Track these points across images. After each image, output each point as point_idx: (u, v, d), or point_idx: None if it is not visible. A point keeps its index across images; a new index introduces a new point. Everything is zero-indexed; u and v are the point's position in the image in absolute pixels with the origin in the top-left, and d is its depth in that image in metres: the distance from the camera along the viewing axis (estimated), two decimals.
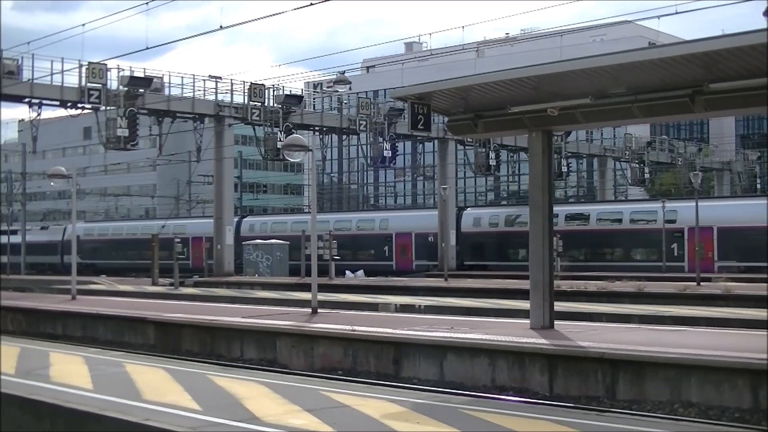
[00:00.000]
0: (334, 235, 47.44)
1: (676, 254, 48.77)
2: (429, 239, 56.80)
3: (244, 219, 67.28)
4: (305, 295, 28.67)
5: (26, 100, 42.39)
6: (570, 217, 53.70)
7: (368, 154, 53.15)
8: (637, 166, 64.56)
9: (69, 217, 58.35)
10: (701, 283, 33.93)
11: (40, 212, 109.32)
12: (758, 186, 74.50)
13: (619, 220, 52.58)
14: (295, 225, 59.76)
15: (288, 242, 51.47)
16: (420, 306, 28.63)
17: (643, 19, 52.41)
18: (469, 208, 62.78)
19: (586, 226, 52.68)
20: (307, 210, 71.42)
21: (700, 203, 51.87)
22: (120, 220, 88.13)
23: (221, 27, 28.17)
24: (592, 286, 33.32)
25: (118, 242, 72.49)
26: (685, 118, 59.14)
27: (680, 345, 15.19)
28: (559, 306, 20.73)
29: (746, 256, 45.78)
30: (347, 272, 53.31)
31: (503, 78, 17.24)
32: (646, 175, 66.16)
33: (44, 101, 42.86)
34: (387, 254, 58.29)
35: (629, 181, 67.66)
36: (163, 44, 37.51)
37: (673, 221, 49.04)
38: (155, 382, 12.54)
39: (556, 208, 59.83)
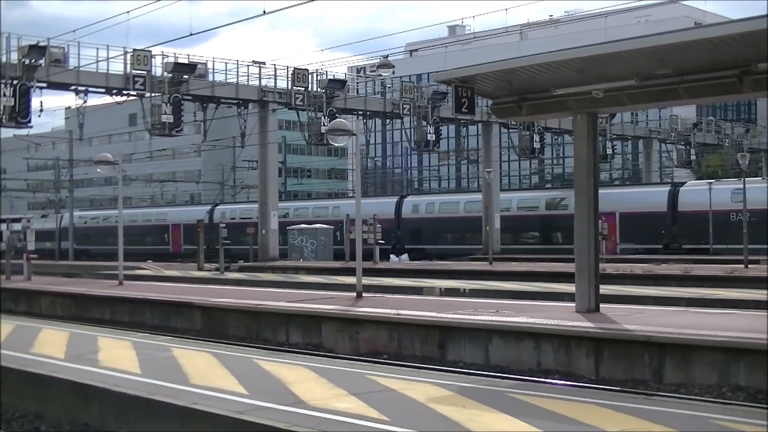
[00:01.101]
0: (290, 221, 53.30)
1: None
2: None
3: (217, 207, 71.36)
4: (350, 280, 28.74)
5: (72, 87, 42.84)
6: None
7: (412, 138, 53.10)
8: (684, 147, 64.01)
9: (114, 203, 59.64)
10: (749, 266, 33.59)
11: (87, 198, 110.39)
12: None
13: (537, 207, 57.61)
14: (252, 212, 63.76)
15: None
16: (465, 290, 28.59)
17: None
18: (410, 196, 66.67)
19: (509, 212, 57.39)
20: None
21: (602, 190, 54.70)
22: (109, 208, 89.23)
23: (264, 12, 28.19)
24: (638, 269, 33.13)
25: (108, 229, 73.99)
26: (732, 99, 58.71)
27: (728, 328, 15.04)
28: (605, 289, 20.60)
29: (644, 239, 50.48)
30: (392, 256, 53.47)
31: (548, 60, 17.12)
32: (693, 157, 65.56)
33: (90, 89, 43.28)
34: (339, 239, 59.63)
35: (675, 163, 67.10)
36: (206, 30, 38.11)
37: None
38: (202, 367, 12.63)
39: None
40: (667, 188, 53.19)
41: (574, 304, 18.80)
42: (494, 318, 17.72)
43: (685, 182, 56.01)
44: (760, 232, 42.43)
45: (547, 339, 16.07)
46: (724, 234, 47.02)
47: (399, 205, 61.87)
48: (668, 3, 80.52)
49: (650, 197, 51.33)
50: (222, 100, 47.39)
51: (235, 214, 66.00)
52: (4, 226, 58.49)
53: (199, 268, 45.08)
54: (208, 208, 71.03)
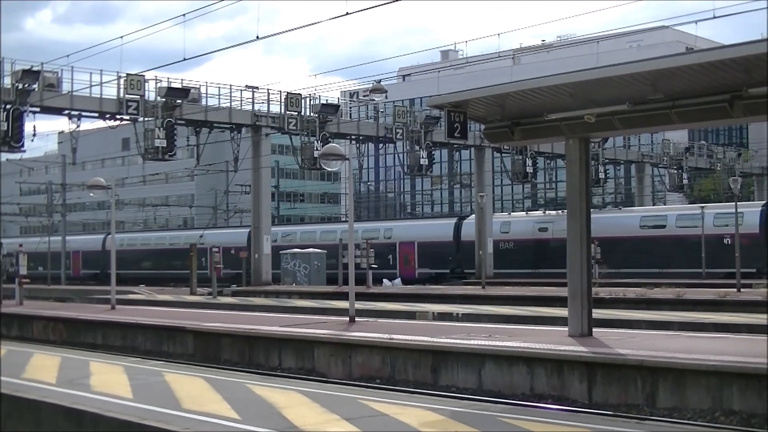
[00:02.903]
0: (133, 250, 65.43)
1: (391, 263, 58.89)
2: (231, 252, 64.92)
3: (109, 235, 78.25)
4: (343, 304, 28.67)
5: (66, 112, 42.79)
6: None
7: (405, 163, 53.11)
8: (676, 172, 64.11)
9: (107, 227, 60.89)
10: (741, 290, 33.61)
11: (79, 222, 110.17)
12: None
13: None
14: (142, 241, 74.60)
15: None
16: (457, 314, 28.58)
17: (681, 24, 52.21)
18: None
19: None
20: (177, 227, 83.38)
21: (403, 223, 68.12)
22: (34, 234, 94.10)
23: (258, 37, 28.25)
24: (631, 293, 33.12)
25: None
26: (724, 124, 59.07)
27: (721, 352, 15.05)
28: (598, 313, 20.60)
29: (436, 264, 56.83)
30: (384, 281, 53.44)
31: (540, 85, 17.19)
32: (685, 181, 65.68)
33: (83, 113, 43.23)
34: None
35: (667, 187, 67.20)
36: (200, 55, 38.29)
37: (389, 237, 59.83)
38: (194, 392, 12.60)
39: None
40: (453, 221, 60.81)
41: (566, 329, 18.80)
42: (487, 342, 17.72)
43: (468, 216, 62.81)
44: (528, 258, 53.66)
45: (539, 363, 16.06)
46: (494, 260, 54.18)
47: (250, 238, 66.15)
48: (660, 28, 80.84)
49: (441, 229, 58.74)
50: (215, 125, 47.38)
51: (123, 242, 72.87)
52: None
53: (192, 293, 44.97)
54: (102, 236, 77.99)
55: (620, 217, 54.15)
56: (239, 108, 47.79)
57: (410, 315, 28.73)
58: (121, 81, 42.51)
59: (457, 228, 58.64)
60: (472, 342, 17.89)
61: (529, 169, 55.21)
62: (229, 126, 48.07)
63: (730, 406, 13.66)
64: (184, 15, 28.45)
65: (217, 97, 47.17)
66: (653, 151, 68.07)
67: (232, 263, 53.89)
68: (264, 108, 48.42)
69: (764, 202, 53.20)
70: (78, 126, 43.71)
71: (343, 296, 30.71)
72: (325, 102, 49.30)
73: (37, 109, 41.24)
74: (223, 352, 22.76)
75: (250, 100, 48.22)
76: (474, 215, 60.43)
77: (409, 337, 19.11)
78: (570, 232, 18.81)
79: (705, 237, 45.54)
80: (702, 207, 49.36)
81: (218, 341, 23.09)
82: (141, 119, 43.52)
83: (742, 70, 14.87)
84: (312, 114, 48.19)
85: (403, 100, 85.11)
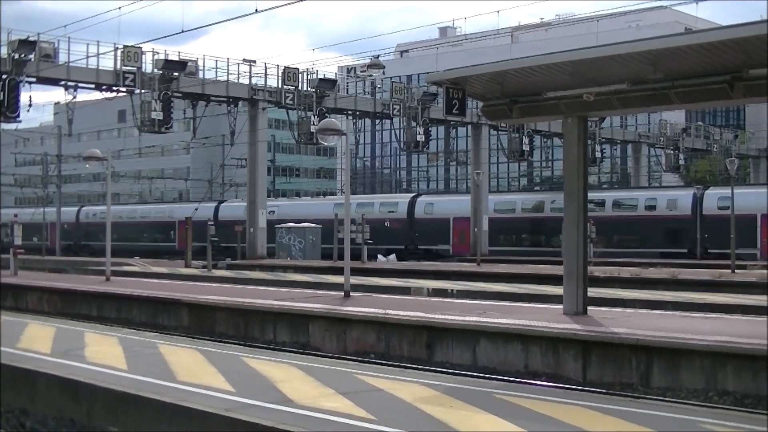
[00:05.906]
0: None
1: (172, 238, 66.37)
2: (64, 227, 73.40)
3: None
4: (338, 279, 28.68)
5: (62, 83, 42.71)
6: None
7: (401, 139, 53.09)
8: (672, 152, 64.15)
9: (103, 199, 61.13)
10: (736, 271, 33.68)
11: (75, 194, 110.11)
12: None
13: None
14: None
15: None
16: (452, 290, 28.61)
17: (680, 4, 52.12)
18: (85, 207, 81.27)
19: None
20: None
21: (179, 205, 73.40)
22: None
23: (256, 11, 28.16)
24: (626, 272, 33.18)
25: None
26: (723, 105, 59.12)
27: (716, 332, 15.07)
28: (593, 292, 20.62)
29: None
30: (379, 256, 53.46)
31: (539, 63, 17.13)
32: (681, 162, 65.73)
33: (80, 84, 43.17)
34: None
35: (664, 167, 67.25)
36: (198, 28, 38.04)
37: (171, 216, 66.24)
38: (189, 364, 12.61)
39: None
40: (214, 204, 67.58)
41: (561, 307, 18.82)
42: (482, 319, 17.72)
43: (226, 200, 71.30)
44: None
45: (534, 341, 16.09)
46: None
47: (78, 213, 76.69)
48: (658, 8, 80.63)
49: (204, 210, 61.63)
50: (212, 98, 47.31)
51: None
52: None
53: (187, 266, 44.98)
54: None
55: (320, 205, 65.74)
56: (236, 82, 47.72)
57: (405, 291, 28.75)
58: (118, 52, 42.41)
59: (216, 211, 65.83)
60: (467, 318, 17.90)
61: (526, 148, 55.24)
62: (226, 99, 48.01)
63: (724, 386, 13.70)
64: None
65: (215, 70, 47.25)
66: (650, 131, 68.07)
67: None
68: (261, 82, 48.38)
69: (415, 194, 66.52)
70: (74, 97, 43.78)
71: (338, 271, 30.72)
72: (322, 77, 49.25)
73: (34, 80, 41.14)
74: (218, 325, 22.77)
75: (248, 74, 48.15)
76: (231, 199, 72.09)
77: (404, 313, 19.12)
78: (566, 212, 18.79)
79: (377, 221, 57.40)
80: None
81: (213, 314, 23.10)
82: (138, 91, 43.44)
83: (742, 51, 14.82)
84: (309, 89, 48.13)
85: (400, 77, 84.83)
